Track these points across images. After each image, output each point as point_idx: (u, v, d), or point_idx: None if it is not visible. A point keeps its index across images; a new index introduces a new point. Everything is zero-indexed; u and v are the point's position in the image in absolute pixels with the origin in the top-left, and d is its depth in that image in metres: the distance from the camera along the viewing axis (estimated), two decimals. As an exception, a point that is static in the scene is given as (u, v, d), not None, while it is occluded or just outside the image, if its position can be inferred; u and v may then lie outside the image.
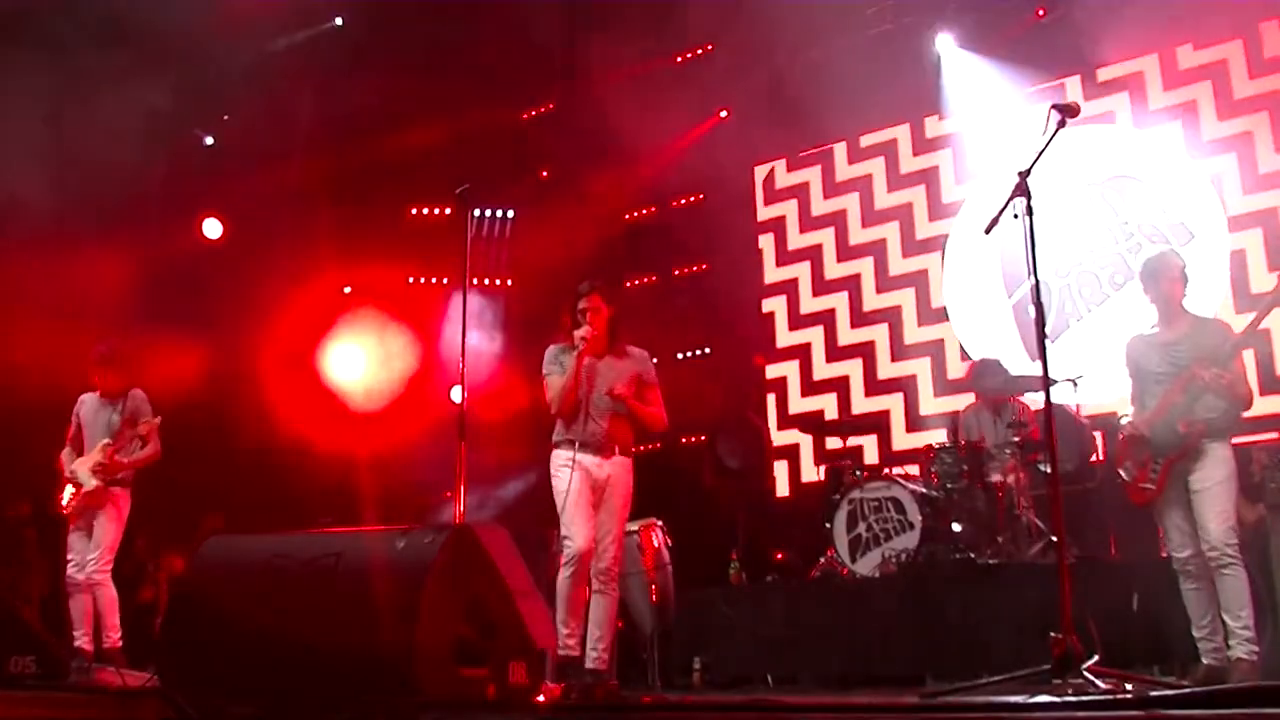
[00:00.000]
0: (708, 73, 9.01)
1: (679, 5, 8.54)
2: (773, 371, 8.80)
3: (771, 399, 8.76)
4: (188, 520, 7.84)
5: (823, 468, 7.72)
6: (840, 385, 8.48)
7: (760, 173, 9.14)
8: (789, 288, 8.85)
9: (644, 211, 9.57)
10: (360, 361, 9.19)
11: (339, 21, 8.68)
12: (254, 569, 4.25)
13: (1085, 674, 3.49)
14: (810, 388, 8.63)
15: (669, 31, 8.77)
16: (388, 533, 4.17)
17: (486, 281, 9.58)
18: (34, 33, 7.36)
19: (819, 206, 8.82)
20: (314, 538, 4.48)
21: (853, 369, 8.46)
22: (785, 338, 8.81)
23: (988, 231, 4.12)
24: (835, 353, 8.56)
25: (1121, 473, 4.73)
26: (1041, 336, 3.90)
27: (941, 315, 8.13)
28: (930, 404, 8.02)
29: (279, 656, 3.92)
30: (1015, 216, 3.98)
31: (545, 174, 9.82)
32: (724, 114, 9.11)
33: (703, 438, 8.65)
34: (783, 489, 8.54)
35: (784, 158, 9.02)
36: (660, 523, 6.30)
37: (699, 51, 9.06)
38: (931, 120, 8.38)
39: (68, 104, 7.64)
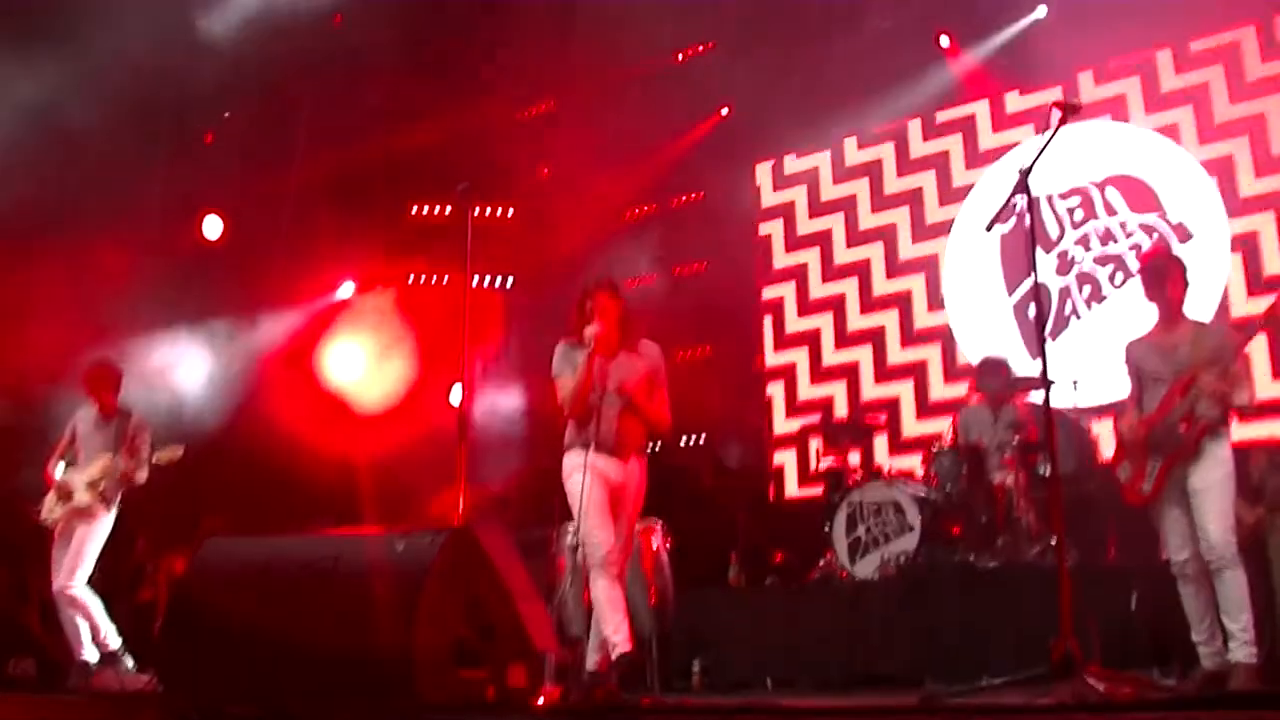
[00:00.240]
0: (707, 72, 9.01)
1: (679, 5, 8.53)
2: (779, 360, 8.79)
3: (779, 390, 8.71)
4: (188, 520, 7.84)
5: (823, 468, 7.70)
6: (850, 372, 8.46)
7: (761, 171, 9.13)
8: (797, 273, 8.84)
9: (644, 210, 9.57)
10: (360, 361, 9.18)
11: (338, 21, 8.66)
12: (254, 570, 4.25)
13: (1085, 677, 3.48)
14: (819, 374, 8.60)
15: (669, 31, 8.76)
16: (387, 535, 4.17)
17: (487, 281, 9.58)
18: (34, 31, 7.35)
19: (827, 193, 8.80)
20: (313, 539, 4.48)
21: (862, 355, 8.43)
22: (794, 324, 8.79)
23: (988, 229, 4.12)
24: (844, 339, 8.54)
25: (1118, 473, 4.72)
26: (1041, 336, 3.89)
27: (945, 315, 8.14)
28: (940, 389, 7.99)
29: (278, 658, 3.92)
30: (1016, 215, 3.97)
31: (545, 174, 9.81)
32: (724, 112, 9.11)
33: (703, 438, 8.64)
34: (782, 490, 8.54)
35: (784, 156, 9.01)
36: (659, 524, 6.29)
37: (699, 51, 9.05)
38: (932, 120, 8.38)
39: (67, 103, 7.63)
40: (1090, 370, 6.21)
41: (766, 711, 4.05)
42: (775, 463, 8.59)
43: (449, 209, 9.41)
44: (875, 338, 8.39)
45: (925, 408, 8.03)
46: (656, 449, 7.97)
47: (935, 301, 8.16)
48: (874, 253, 8.50)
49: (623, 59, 8.85)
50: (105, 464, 5.86)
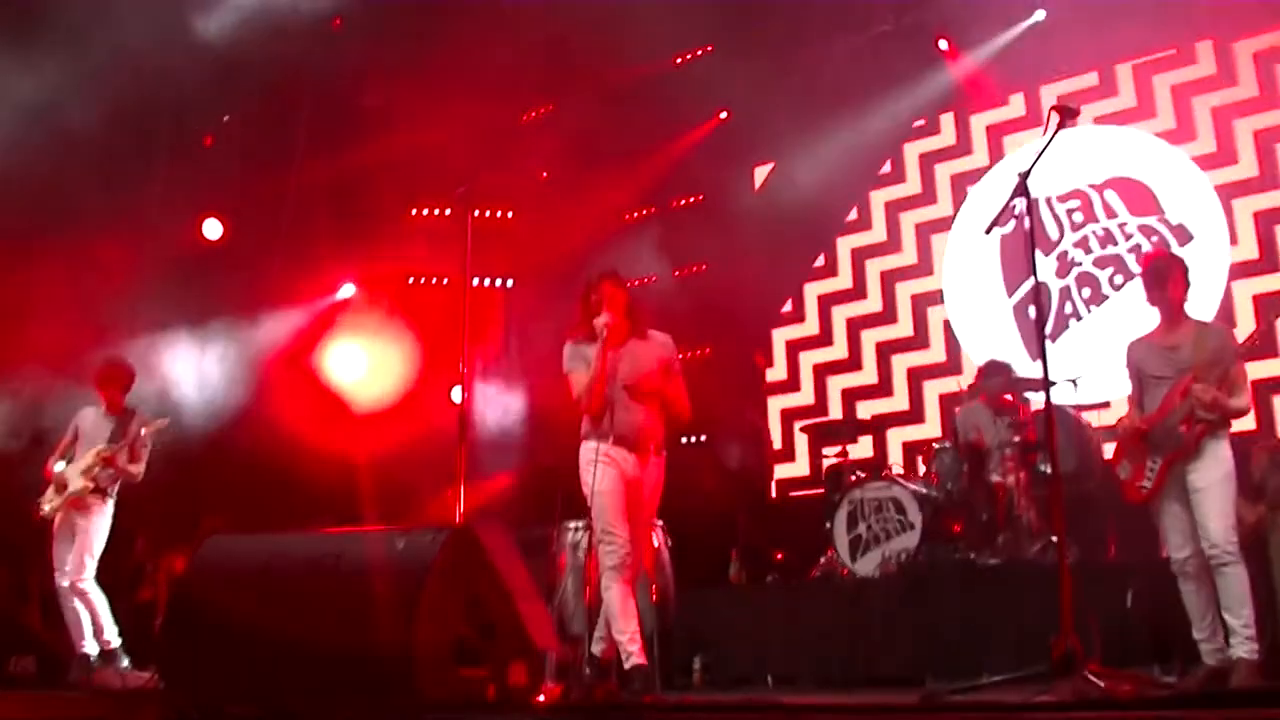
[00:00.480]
0: (707, 75, 9.01)
1: (679, 5, 8.53)
2: (780, 360, 8.79)
3: (780, 390, 8.72)
4: (188, 520, 7.84)
5: (823, 468, 7.71)
6: (850, 371, 8.47)
7: (760, 173, 9.13)
8: (797, 273, 8.84)
9: (644, 212, 9.57)
10: (360, 361, 9.18)
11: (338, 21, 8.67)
12: (254, 569, 4.24)
13: (1086, 674, 3.48)
14: (820, 374, 8.61)
15: (668, 33, 8.77)
16: (388, 533, 4.17)
17: (487, 282, 9.59)
18: (34, 32, 7.35)
19: (827, 193, 8.76)
20: (314, 538, 4.48)
21: (862, 354, 8.44)
22: (794, 323, 8.80)
23: (988, 231, 4.12)
24: (844, 339, 8.54)
25: (1118, 471, 4.73)
26: (1041, 337, 3.90)
27: (936, 303, 8.14)
28: (941, 389, 7.97)
29: (279, 656, 3.91)
30: (1015, 217, 3.98)
31: (545, 174, 9.81)
32: (724, 114, 9.12)
33: (703, 438, 8.64)
34: (782, 489, 8.54)
35: (783, 157, 9.01)
36: (660, 522, 6.29)
37: (699, 52, 9.06)
38: (931, 122, 8.39)
39: (68, 104, 7.63)
40: (1090, 372, 6.21)
41: (767, 709, 4.05)
42: (775, 462, 8.59)
43: (449, 210, 9.41)
44: (875, 337, 8.39)
45: (926, 407, 8.03)
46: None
47: (935, 302, 8.16)
48: (874, 253, 8.51)
49: (622, 61, 8.86)
50: (99, 451, 5.87)
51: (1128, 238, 7.42)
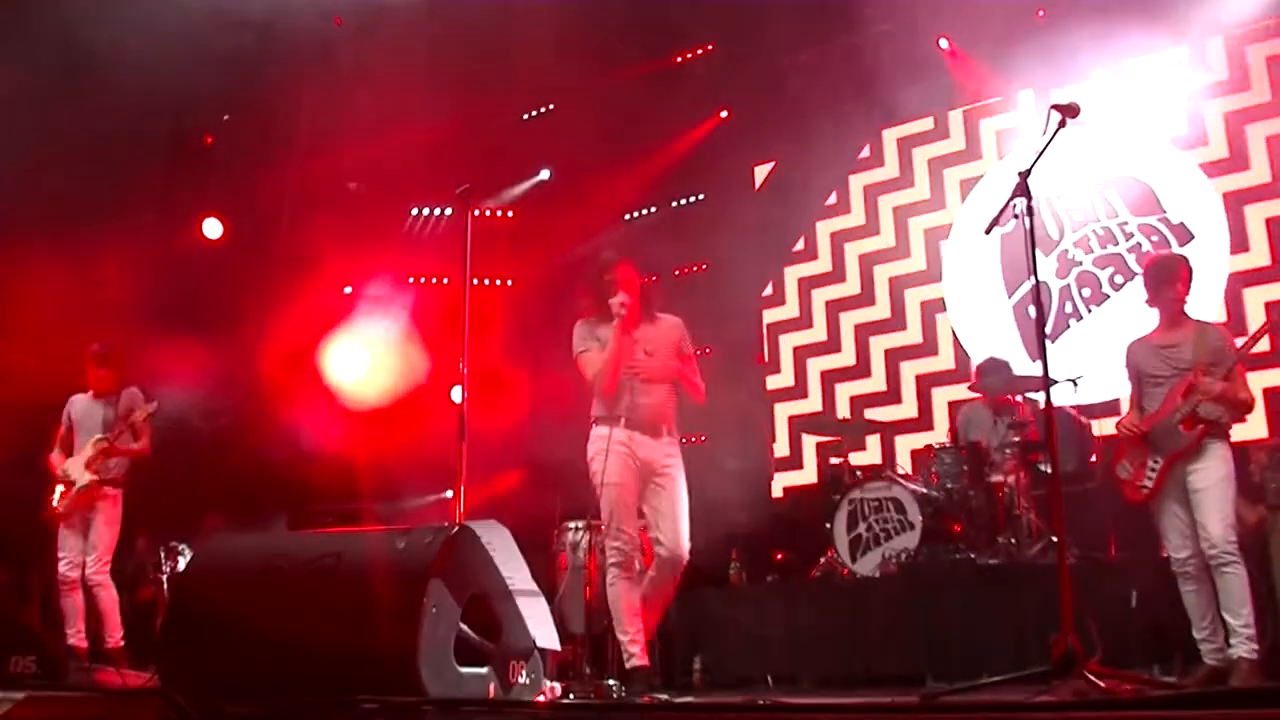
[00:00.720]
0: (707, 74, 9.01)
1: (679, 5, 8.54)
2: (780, 359, 8.78)
3: (780, 390, 8.71)
4: (188, 520, 7.84)
5: (824, 466, 7.71)
6: (850, 371, 8.46)
7: (760, 172, 9.13)
8: (798, 273, 8.83)
9: (644, 212, 9.57)
10: (360, 361, 9.18)
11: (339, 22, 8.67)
12: (254, 569, 4.24)
13: (1086, 674, 3.48)
14: (820, 374, 8.59)
15: (669, 31, 8.77)
16: (388, 533, 4.17)
17: (487, 282, 9.58)
18: (34, 31, 7.35)
19: (827, 194, 8.80)
20: (314, 538, 4.48)
21: (862, 354, 8.43)
22: (794, 323, 8.78)
23: (988, 232, 4.12)
24: (845, 339, 8.53)
25: (1118, 471, 4.73)
26: (1041, 337, 3.90)
27: (939, 307, 8.13)
28: (941, 389, 7.97)
29: (279, 656, 3.91)
30: (1016, 216, 3.98)
31: (545, 174, 9.82)
32: (724, 114, 9.12)
33: (703, 438, 8.64)
34: (782, 489, 8.54)
35: (784, 157, 9.01)
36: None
37: (699, 51, 9.06)
38: (931, 122, 8.38)
39: (68, 104, 7.63)
40: (1090, 371, 6.22)
41: (767, 709, 4.05)
42: (776, 462, 8.59)
43: (449, 210, 9.41)
44: (876, 337, 8.39)
45: (926, 407, 8.03)
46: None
47: (936, 302, 8.16)
48: (874, 253, 8.50)
49: (623, 60, 8.87)
50: (96, 441, 5.88)
51: (1128, 237, 7.42)
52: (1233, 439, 4.62)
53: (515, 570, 4.14)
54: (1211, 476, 4.45)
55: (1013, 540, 5.88)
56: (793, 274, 8.86)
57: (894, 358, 8.27)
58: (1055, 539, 4.10)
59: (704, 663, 6.07)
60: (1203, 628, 4.49)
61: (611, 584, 4.38)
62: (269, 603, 4.06)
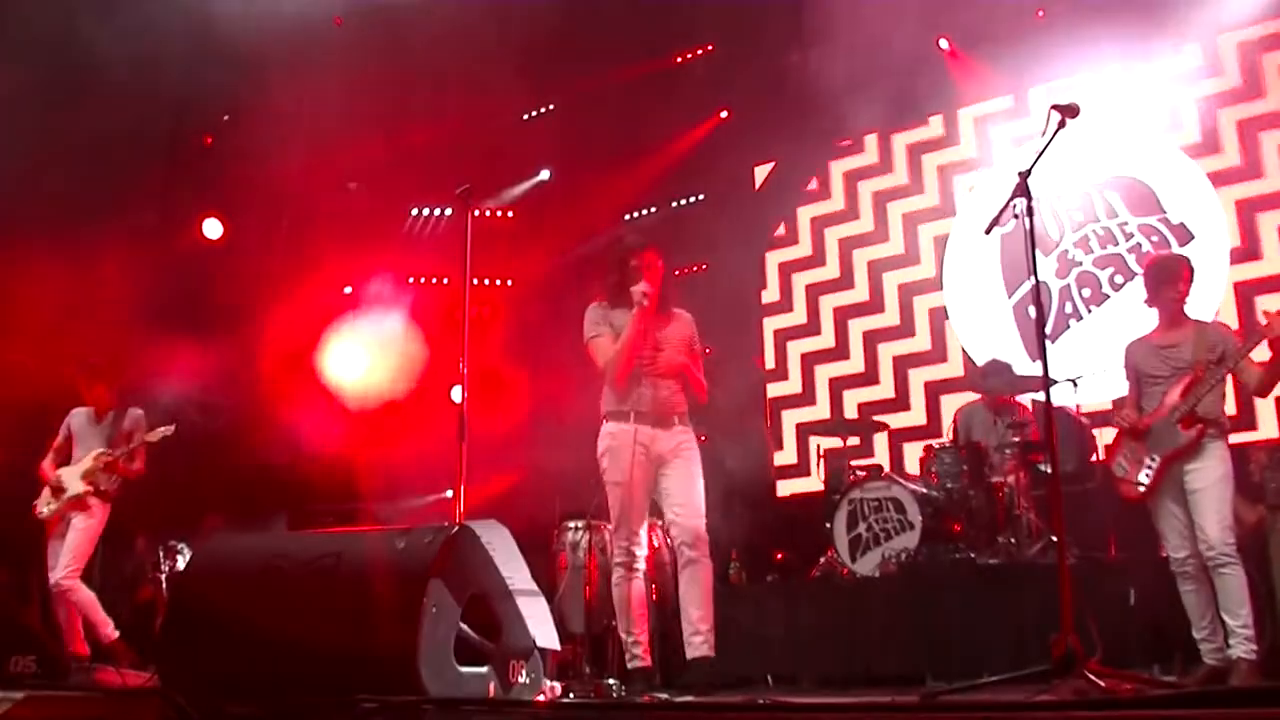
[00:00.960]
0: (707, 74, 9.01)
1: (679, 5, 8.54)
2: (780, 359, 8.77)
3: (780, 389, 8.72)
4: (188, 520, 7.84)
5: (822, 467, 7.70)
6: (850, 371, 8.46)
7: (761, 172, 9.14)
8: (798, 273, 8.83)
9: (644, 212, 9.57)
10: (360, 362, 9.18)
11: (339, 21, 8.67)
12: (254, 569, 4.24)
13: (1086, 674, 3.48)
14: (820, 374, 8.59)
15: (669, 31, 8.78)
16: (388, 533, 4.17)
17: (487, 282, 9.59)
18: (35, 30, 7.36)
19: (827, 193, 8.79)
20: (314, 538, 4.48)
21: (862, 354, 8.43)
22: (794, 323, 8.78)
23: (988, 232, 4.12)
24: (845, 338, 8.53)
25: (1115, 468, 4.73)
26: (1041, 337, 3.90)
27: (944, 313, 8.13)
28: (941, 389, 7.97)
29: (279, 656, 3.91)
30: (1016, 217, 3.98)
31: (545, 173, 9.82)
32: (724, 114, 9.12)
33: (703, 438, 8.63)
34: (782, 489, 8.53)
35: (783, 157, 9.02)
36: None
37: (699, 51, 9.06)
38: (931, 122, 8.38)
39: (68, 103, 7.63)
40: (1090, 371, 6.22)
41: (767, 708, 4.05)
42: (776, 462, 8.59)
43: (449, 210, 9.41)
44: (875, 337, 8.39)
45: (926, 407, 8.03)
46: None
47: (936, 302, 8.16)
48: (874, 253, 8.50)
49: (623, 60, 8.87)
50: (97, 455, 5.88)
51: (1128, 237, 7.42)
52: (1233, 440, 4.62)
53: (515, 570, 4.14)
54: (1209, 476, 4.45)
55: (1013, 540, 5.88)
56: (792, 273, 8.85)
57: (902, 364, 8.26)
58: (1055, 539, 4.11)
59: (704, 663, 6.05)
60: (1202, 627, 4.49)
61: (617, 584, 4.34)
62: (269, 603, 4.06)
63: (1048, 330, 3.94)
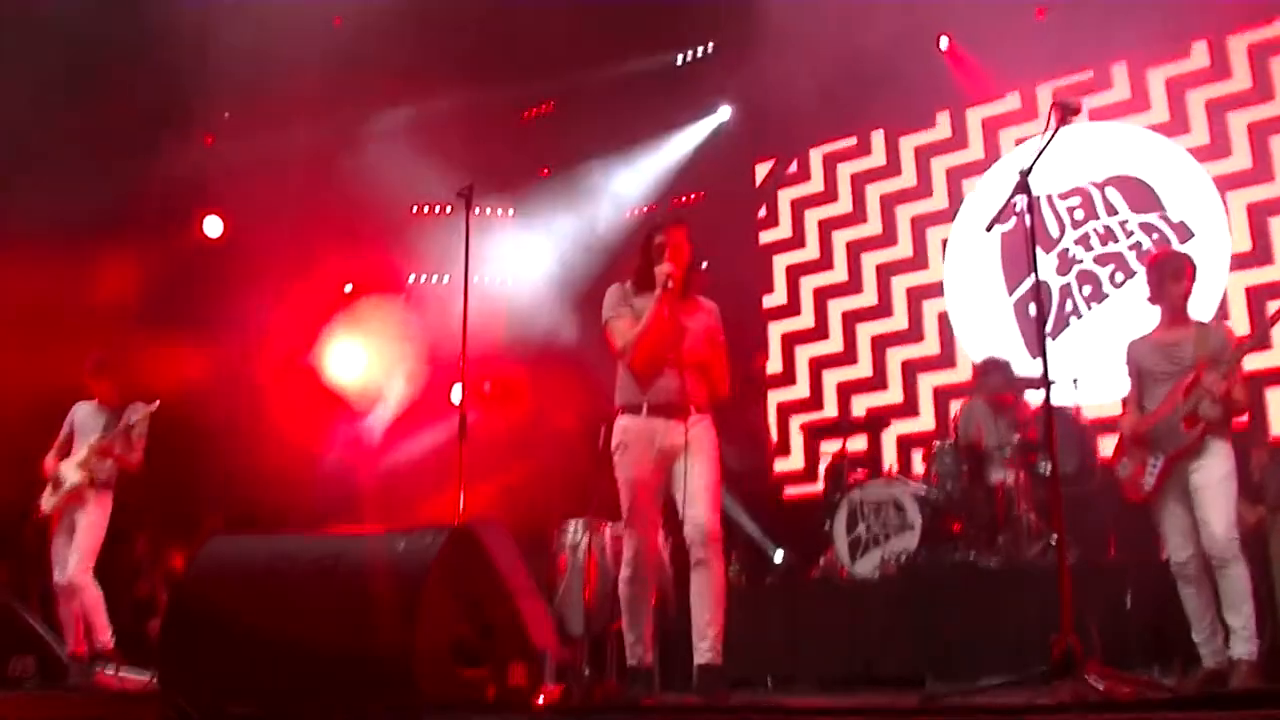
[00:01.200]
0: (708, 73, 9.01)
1: (679, 5, 8.53)
2: (779, 359, 8.76)
3: (780, 389, 8.69)
4: (188, 520, 7.84)
5: (822, 467, 7.71)
6: (850, 371, 8.43)
7: (761, 171, 9.13)
8: (797, 273, 8.82)
9: (644, 211, 9.56)
10: (360, 361, 9.18)
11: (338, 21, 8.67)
12: (254, 569, 4.24)
13: (1085, 676, 3.48)
14: (820, 374, 8.57)
15: (669, 31, 8.77)
16: (388, 533, 4.16)
17: (487, 280, 9.58)
18: (34, 30, 7.35)
19: (827, 193, 8.77)
20: (314, 538, 4.47)
21: (862, 354, 8.40)
22: (794, 323, 8.75)
23: (989, 229, 4.12)
24: (844, 338, 8.51)
25: (1118, 469, 4.73)
26: (1041, 336, 3.89)
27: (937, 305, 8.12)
28: (941, 388, 7.95)
29: (279, 657, 3.91)
30: (1016, 214, 3.97)
31: (545, 174, 9.81)
32: (724, 114, 9.11)
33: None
34: (782, 489, 8.53)
35: (783, 156, 9.00)
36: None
37: (699, 51, 9.06)
38: (932, 120, 8.37)
39: (67, 103, 7.63)
40: (1091, 369, 6.21)
41: (767, 710, 4.05)
42: (775, 462, 8.58)
43: (449, 209, 9.40)
44: (875, 337, 8.38)
45: (926, 407, 8.02)
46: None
47: (936, 301, 8.15)
48: (874, 252, 8.49)
49: (623, 58, 8.86)
50: (93, 443, 5.88)
51: (1128, 235, 7.41)
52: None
53: (514, 570, 4.13)
54: (1213, 474, 4.44)
55: (1012, 541, 5.88)
56: (792, 273, 8.84)
57: (889, 352, 8.26)
58: (1055, 540, 4.10)
59: (704, 663, 6.05)
60: (1202, 630, 4.48)
61: (623, 581, 4.25)
62: (269, 604, 4.06)
63: (1048, 328, 3.92)
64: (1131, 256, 7.32)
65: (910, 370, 8.12)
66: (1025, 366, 6.81)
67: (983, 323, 7.88)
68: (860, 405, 8.24)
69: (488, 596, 4.04)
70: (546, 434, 8.02)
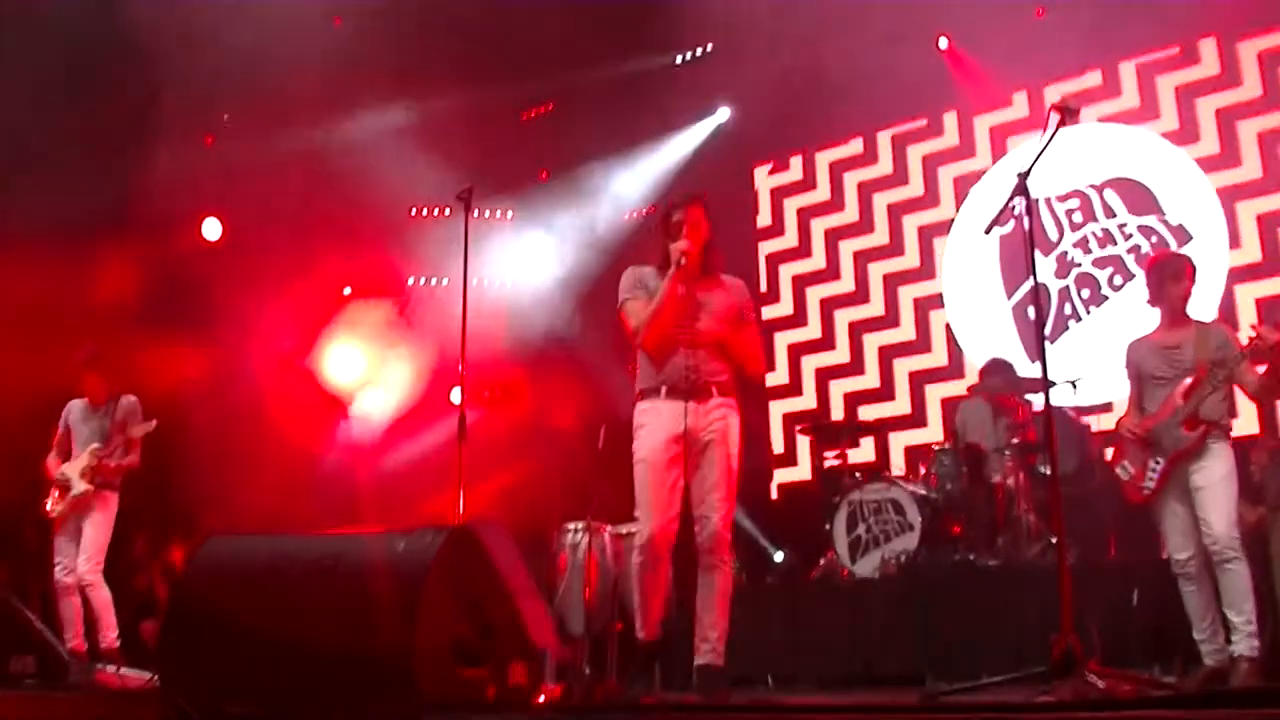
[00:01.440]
0: (707, 74, 9.02)
1: (679, 5, 8.53)
2: (779, 359, 8.76)
3: (779, 390, 8.70)
4: (187, 519, 7.84)
5: (822, 468, 7.72)
6: (850, 372, 8.45)
7: (760, 173, 9.14)
8: (796, 273, 8.82)
9: (644, 211, 9.57)
10: (360, 363, 9.18)
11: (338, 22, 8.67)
12: (254, 569, 4.24)
13: (1085, 675, 3.48)
14: (819, 374, 8.58)
15: (669, 31, 8.78)
16: (387, 533, 4.16)
17: (487, 282, 9.58)
18: (33, 29, 7.35)
19: (826, 194, 8.78)
20: (314, 538, 4.47)
21: (862, 355, 8.42)
22: (793, 323, 8.76)
23: (987, 232, 4.12)
24: (844, 340, 8.52)
25: (1119, 471, 4.73)
26: (1041, 337, 3.90)
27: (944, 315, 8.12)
28: (941, 390, 7.96)
29: (279, 657, 3.91)
30: (1015, 217, 3.97)
31: (545, 174, 9.81)
32: (724, 114, 9.11)
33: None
34: (782, 489, 8.53)
35: (783, 158, 9.01)
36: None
37: (699, 51, 9.07)
38: (931, 122, 8.38)
39: (66, 103, 7.63)
40: (1090, 372, 6.22)
41: (767, 709, 4.05)
42: (775, 462, 8.58)
43: (448, 210, 9.40)
44: (875, 338, 8.38)
45: (926, 408, 8.03)
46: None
47: (935, 303, 8.15)
48: (873, 254, 8.49)
49: (623, 59, 8.87)
50: (93, 451, 5.90)
51: (1127, 238, 7.42)
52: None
53: (515, 570, 4.13)
54: (1215, 474, 4.45)
55: (1012, 541, 5.88)
56: (791, 273, 8.85)
57: (889, 354, 8.27)
58: (1055, 540, 4.10)
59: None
60: (1203, 628, 4.49)
61: (634, 565, 4.19)
62: (269, 604, 4.06)
63: (1047, 331, 3.92)
64: (1130, 259, 7.33)
65: (918, 381, 8.11)
66: (1025, 369, 6.82)
67: (982, 326, 7.89)
68: (868, 416, 8.19)
69: (488, 596, 4.04)
70: (546, 434, 8.02)
